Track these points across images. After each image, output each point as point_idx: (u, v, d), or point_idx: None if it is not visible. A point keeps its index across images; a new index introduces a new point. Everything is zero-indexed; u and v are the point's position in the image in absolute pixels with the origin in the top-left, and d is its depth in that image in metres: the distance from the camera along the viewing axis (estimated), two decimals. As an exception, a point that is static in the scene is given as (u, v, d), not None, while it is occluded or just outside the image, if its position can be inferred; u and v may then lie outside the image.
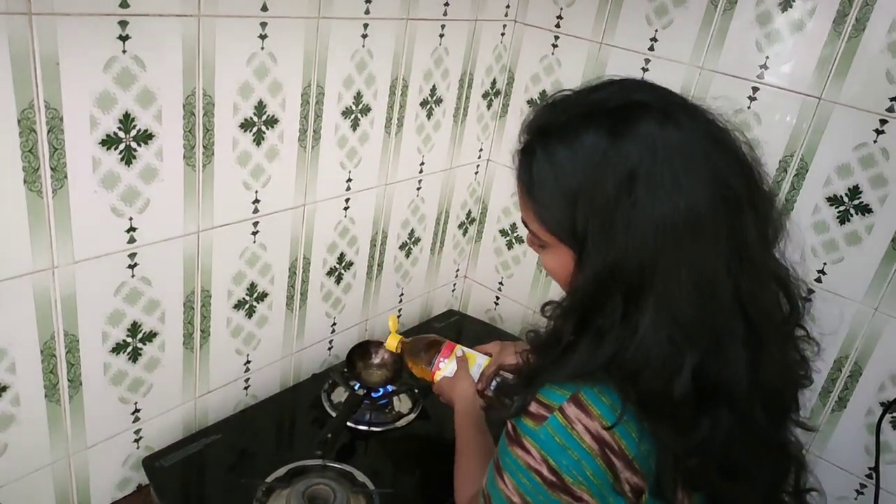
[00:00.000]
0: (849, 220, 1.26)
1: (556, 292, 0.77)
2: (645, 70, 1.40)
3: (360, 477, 1.15)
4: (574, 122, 0.73)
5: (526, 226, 0.80)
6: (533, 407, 0.74)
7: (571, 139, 0.72)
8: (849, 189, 1.25)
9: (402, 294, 1.65)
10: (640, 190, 0.68)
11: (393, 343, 1.26)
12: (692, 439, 0.70)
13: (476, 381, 1.15)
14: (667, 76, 1.38)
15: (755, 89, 1.29)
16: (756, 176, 0.75)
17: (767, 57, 1.27)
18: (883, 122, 1.19)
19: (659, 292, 0.69)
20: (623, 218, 0.69)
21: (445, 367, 1.18)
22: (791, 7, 1.23)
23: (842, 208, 1.26)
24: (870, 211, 1.24)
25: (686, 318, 0.69)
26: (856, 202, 1.25)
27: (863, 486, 1.35)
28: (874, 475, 1.30)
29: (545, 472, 0.72)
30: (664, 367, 0.69)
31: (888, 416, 1.28)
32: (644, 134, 0.70)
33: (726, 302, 0.71)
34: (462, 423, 1.08)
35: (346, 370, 1.38)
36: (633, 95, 0.74)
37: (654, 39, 1.38)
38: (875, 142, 1.20)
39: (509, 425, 0.77)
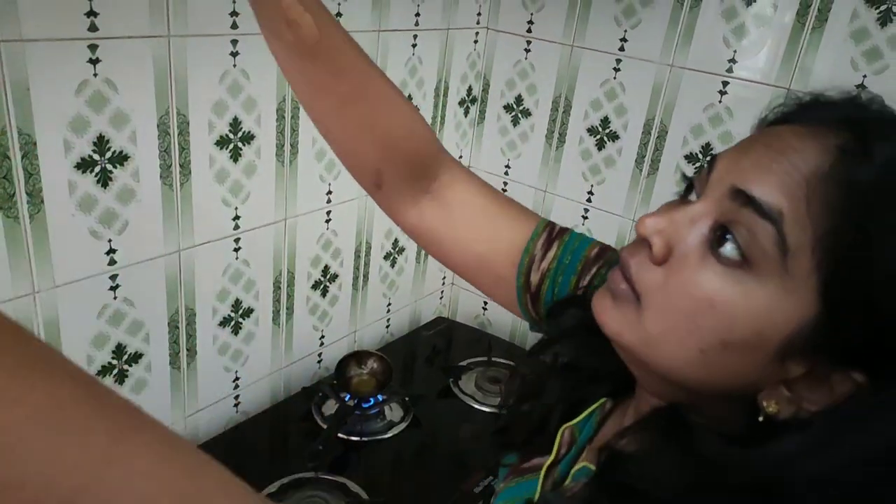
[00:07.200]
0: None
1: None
2: (617, 70, 1.42)
3: (354, 488, 1.15)
4: None
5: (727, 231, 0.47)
6: None
7: None
8: (822, 177, 1.26)
9: (389, 304, 1.65)
10: None
11: None
12: None
13: None
14: (638, 75, 1.39)
15: (725, 83, 1.31)
16: None
17: (735, 51, 1.29)
18: (851, 109, 1.20)
19: None
20: None
21: None
22: (755, 1, 1.25)
23: (817, 196, 1.28)
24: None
25: None
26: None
27: None
28: None
29: None
30: None
31: None
32: None
33: None
34: None
35: (335, 382, 1.38)
36: None
37: (623, 40, 1.40)
38: (845, 129, 1.22)
39: None
